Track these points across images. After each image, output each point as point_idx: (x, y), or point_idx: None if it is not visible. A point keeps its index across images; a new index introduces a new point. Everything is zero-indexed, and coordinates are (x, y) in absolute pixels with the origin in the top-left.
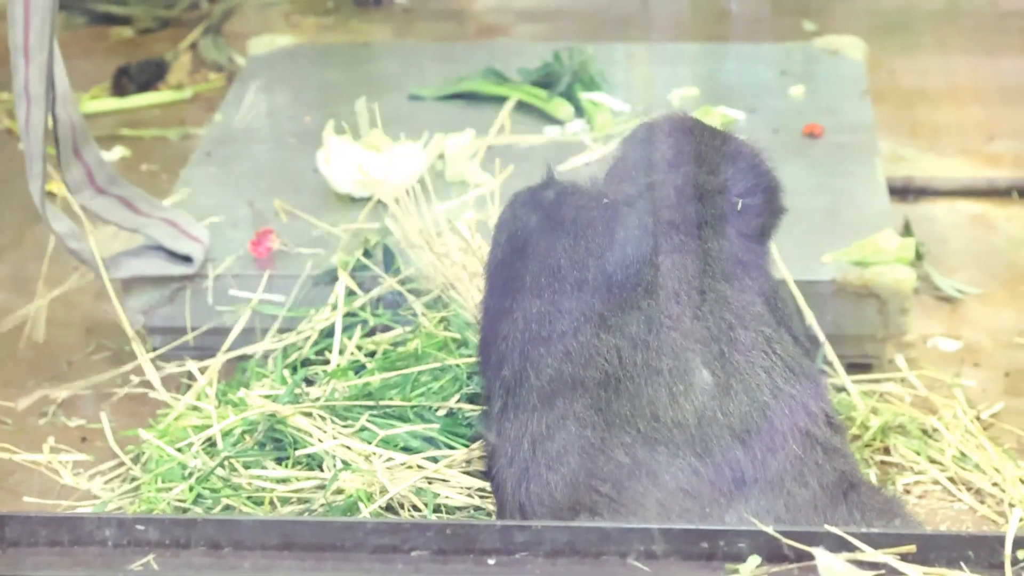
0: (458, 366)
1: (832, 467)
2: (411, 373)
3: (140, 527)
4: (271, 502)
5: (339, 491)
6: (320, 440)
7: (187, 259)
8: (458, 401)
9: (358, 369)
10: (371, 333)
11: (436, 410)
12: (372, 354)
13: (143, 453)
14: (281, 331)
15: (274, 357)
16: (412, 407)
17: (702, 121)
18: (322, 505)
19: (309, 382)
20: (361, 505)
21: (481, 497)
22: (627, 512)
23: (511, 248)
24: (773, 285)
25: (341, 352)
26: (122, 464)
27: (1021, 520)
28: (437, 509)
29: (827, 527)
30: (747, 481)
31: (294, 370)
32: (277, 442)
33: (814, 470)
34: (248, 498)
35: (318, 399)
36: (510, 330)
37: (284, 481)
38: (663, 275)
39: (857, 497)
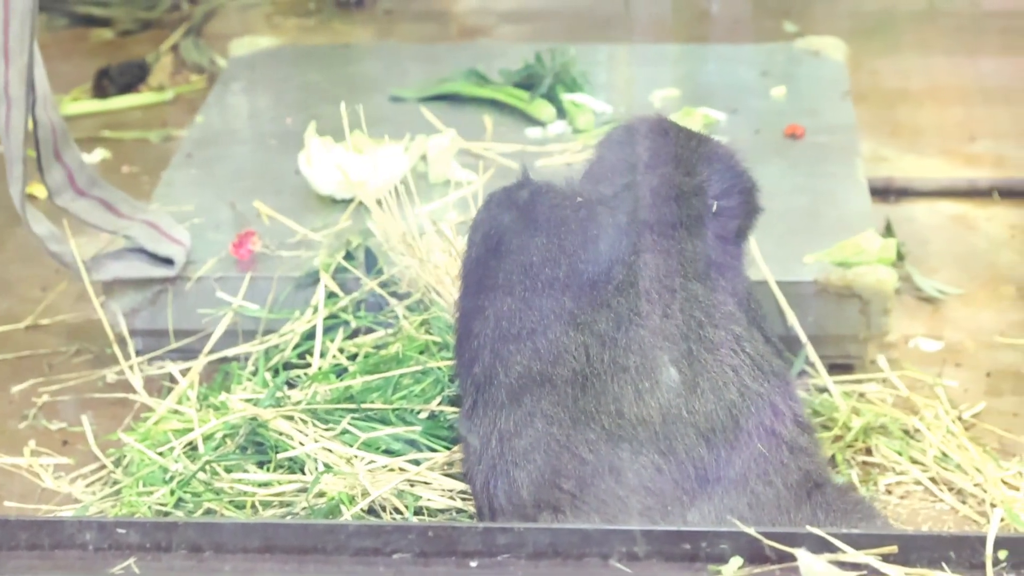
0: (439, 368)
1: (797, 466)
2: (393, 376)
3: (121, 530)
4: (252, 506)
5: (321, 494)
6: (301, 443)
7: (168, 261)
8: (439, 404)
9: (340, 372)
10: (354, 335)
11: (418, 412)
12: (354, 357)
13: (124, 456)
14: (264, 333)
15: (256, 360)
16: (394, 410)
17: (677, 123)
18: (304, 508)
19: (291, 385)
20: (343, 508)
21: (463, 500)
22: (589, 510)
23: (484, 247)
24: (747, 285)
25: (323, 355)
26: (103, 467)
27: (1002, 520)
28: (419, 512)
29: (809, 528)
30: (711, 479)
31: (276, 373)
32: (259, 446)
33: (779, 469)
34: (230, 502)
35: (299, 402)
36: (481, 328)
37: (266, 485)
38: (634, 274)
39: (822, 497)
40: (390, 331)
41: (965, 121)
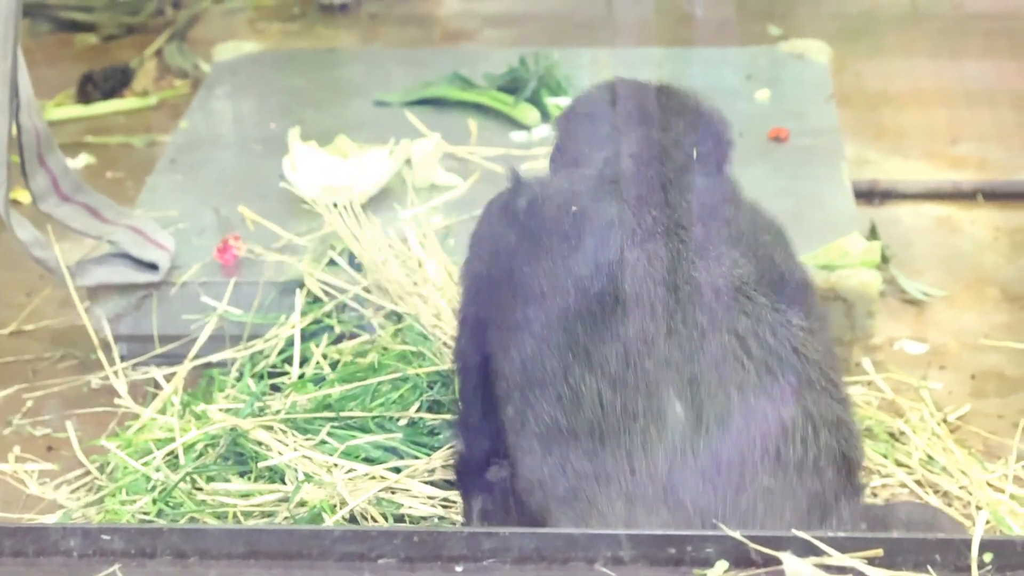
0: (418, 376)
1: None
2: (371, 384)
3: (105, 537)
4: (234, 516)
5: (302, 503)
6: (281, 453)
7: (153, 266)
8: (419, 410)
9: (319, 380)
10: (339, 340)
11: (397, 420)
12: (336, 364)
13: (109, 462)
14: (249, 338)
15: (240, 366)
16: (373, 417)
17: (630, 81)
18: (285, 518)
19: (276, 389)
20: (325, 516)
21: (444, 507)
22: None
23: (491, 262)
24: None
25: (307, 361)
26: (88, 473)
27: (987, 523)
28: (400, 519)
29: (794, 532)
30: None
31: (261, 378)
32: (239, 455)
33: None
34: (211, 512)
35: (278, 412)
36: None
37: (247, 495)
38: (650, 257)
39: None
40: (371, 336)
41: (949, 123)
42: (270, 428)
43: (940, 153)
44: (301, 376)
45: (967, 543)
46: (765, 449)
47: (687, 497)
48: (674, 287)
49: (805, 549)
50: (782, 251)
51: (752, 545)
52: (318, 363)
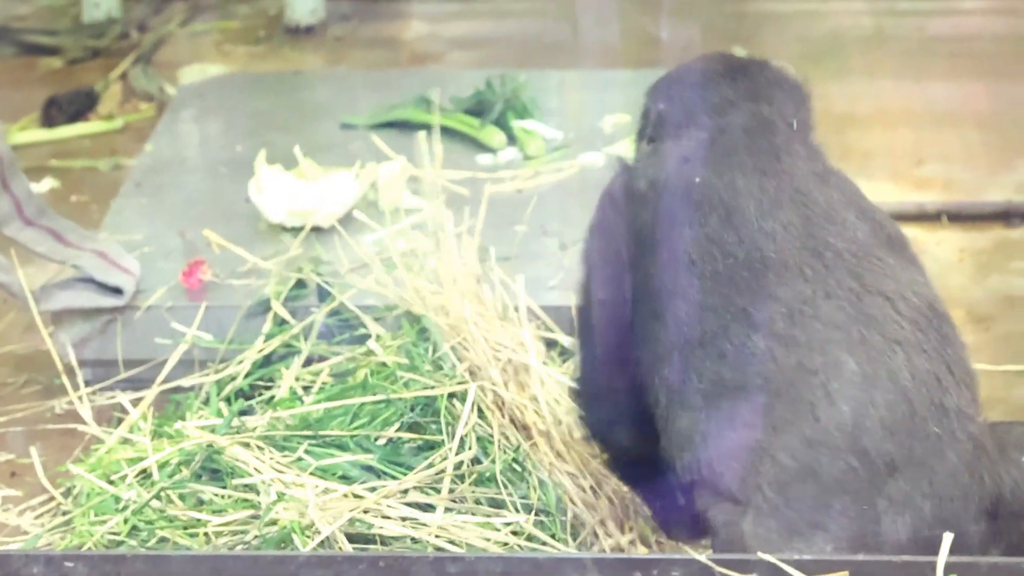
0: (401, 400)
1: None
2: (353, 404)
3: (69, 563)
4: (206, 534)
5: (273, 522)
6: (257, 471)
7: (118, 291)
8: (399, 430)
9: (294, 401)
10: (307, 363)
11: (375, 439)
12: (308, 387)
13: (74, 487)
14: (215, 362)
15: (208, 389)
16: (352, 436)
17: (727, 54)
18: (256, 537)
19: (244, 413)
20: (295, 537)
21: (415, 528)
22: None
23: (622, 240)
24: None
25: (278, 384)
26: (53, 499)
27: (952, 544)
28: (372, 540)
29: (760, 555)
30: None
31: (228, 402)
32: (214, 473)
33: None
34: (183, 529)
35: (255, 428)
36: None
37: (220, 512)
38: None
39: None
40: (359, 350)
41: (914, 145)
42: (247, 445)
43: (905, 174)
44: (271, 399)
45: (932, 565)
46: (931, 400)
47: (870, 444)
48: (816, 251)
49: (771, 571)
50: (877, 210)
51: (718, 568)
52: (291, 386)
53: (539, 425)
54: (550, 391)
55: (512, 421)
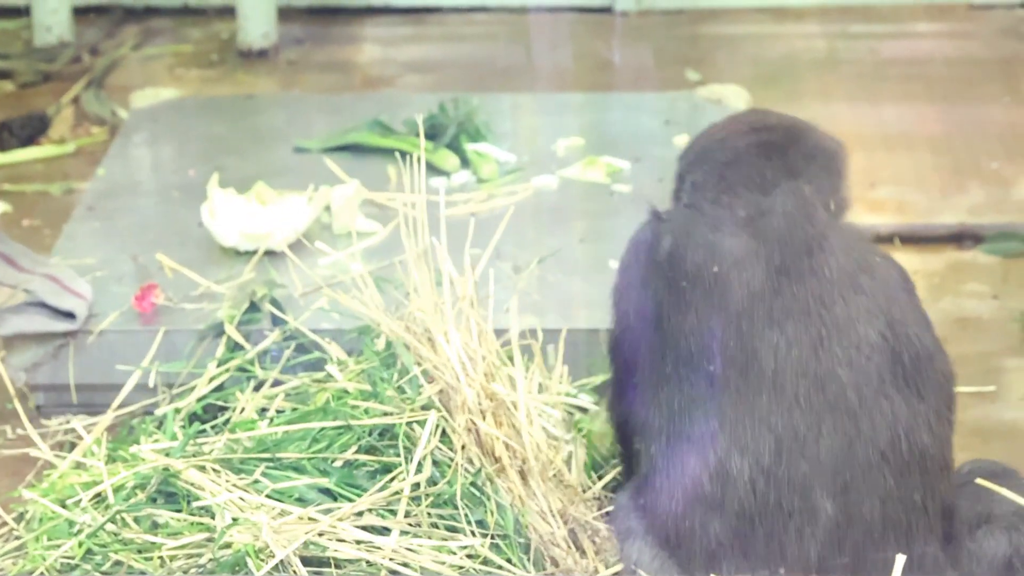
0: (361, 427)
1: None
2: (312, 428)
3: None
4: (160, 558)
5: (228, 545)
6: (213, 494)
7: (70, 315)
8: (356, 452)
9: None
10: (259, 387)
11: (333, 462)
12: (263, 410)
13: (27, 512)
14: (169, 386)
15: (163, 413)
16: (309, 459)
17: (762, 113)
18: (211, 560)
19: (199, 435)
20: (249, 560)
21: (370, 551)
22: None
23: (637, 298)
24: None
25: (232, 407)
26: (4, 524)
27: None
28: (327, 563)
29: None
30: None
31: (183, 426)
32: (170, 496)
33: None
34: (138, 552)
35: (211, 451)
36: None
37: (175, 535)
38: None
39: None
40: (316, 376)
41: (867, 168)
42: (203, 468)
43: (858, 197)
44: (226, 422)
45: None
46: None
47: None
48: (819, 378)
49: None
50: (909, 318)
51: None
52: (243, 409)
53: (511, 454)
54: (535, 420)
55: (481, 445)
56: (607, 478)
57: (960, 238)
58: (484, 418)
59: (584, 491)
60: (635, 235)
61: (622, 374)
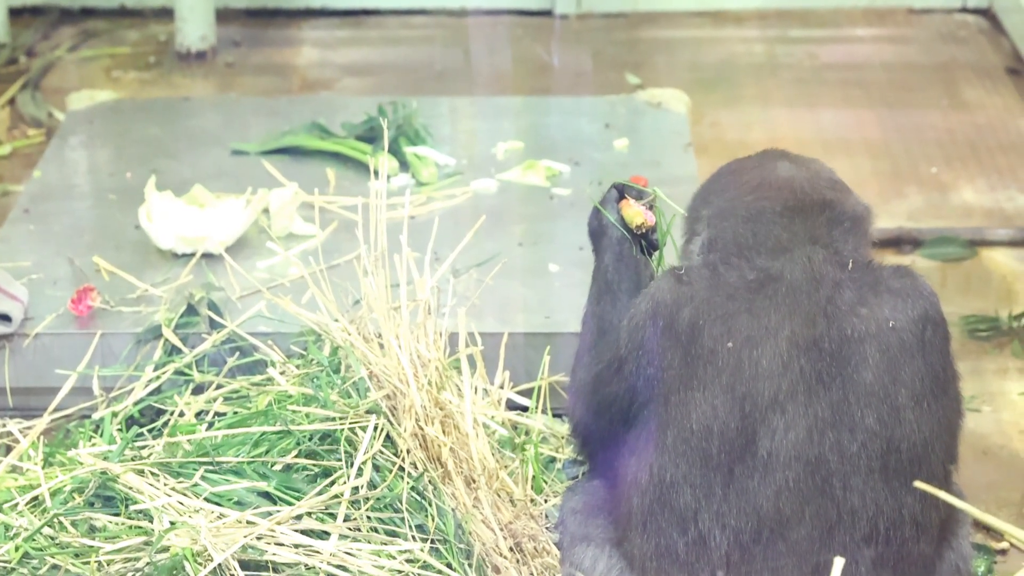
0: (300, 432)
1: None
2: (254, 433)
3: None
4: (98, 562)
5: (165, 549)
6: (151, 497)
7: (5, 318)
8: (296, 456)
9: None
10: (198, 391)
11: (273, 466)
12: (201, 413)
13: None
14: (106, 389)
15: (101, 417)
16: (249, 463)
17: (782, 156)
18: (148, 564)
19: (137, 439)
20: (187, 564)
21: (308, 555)
22: None
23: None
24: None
25: (170, 410)
26: None
27: None
28: (265, 567)
29: None
30: None
31: (120, 430)
32: (108, 500)
33: None
34: (75, 556)
35: (150, 455)
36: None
37: (113, 539)
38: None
39: None
40: (255, 379)
41: None
42: (141, 472)
43: None
44: (165, 425)
45: None
46: None
47: None
48: (810, 463)
49: None
50: (925, 390)
51: None
52: (183, 413)
53: (456, 459)
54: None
55: (427, 450)
56: (552, 501)
57: (899, 243)
58: (432, 423)
59: (530, 502)
60: (655, 294)
61: (611, 425)
